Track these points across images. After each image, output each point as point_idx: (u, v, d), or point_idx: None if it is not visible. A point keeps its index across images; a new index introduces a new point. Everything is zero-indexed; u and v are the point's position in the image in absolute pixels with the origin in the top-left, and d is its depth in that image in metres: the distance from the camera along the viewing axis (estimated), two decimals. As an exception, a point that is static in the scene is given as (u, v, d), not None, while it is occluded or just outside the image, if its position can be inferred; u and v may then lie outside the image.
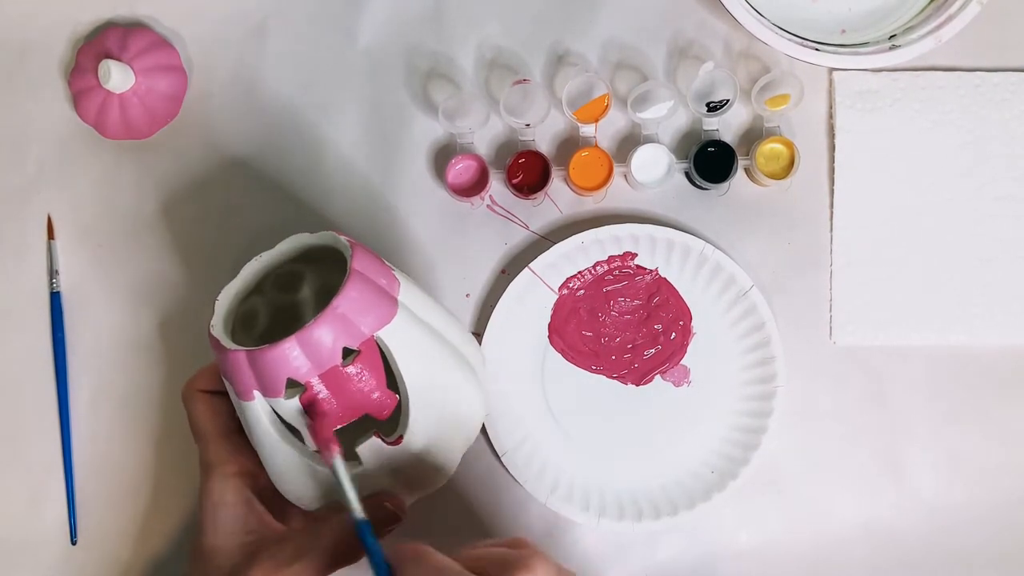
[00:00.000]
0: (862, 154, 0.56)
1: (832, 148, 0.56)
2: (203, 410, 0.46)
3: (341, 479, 0.40)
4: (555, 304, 0.56)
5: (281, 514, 0.47)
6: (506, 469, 0.54)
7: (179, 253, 0.57)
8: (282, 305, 0.50)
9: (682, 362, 0.56)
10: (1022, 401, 0.55)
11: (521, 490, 0.54)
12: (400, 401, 0.43)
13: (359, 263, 0.42)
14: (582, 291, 0.56)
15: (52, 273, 0.56)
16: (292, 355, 0.39)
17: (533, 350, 0.56)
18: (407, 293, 0.44)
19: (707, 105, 0.54)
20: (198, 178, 0.57)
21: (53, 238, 0.57)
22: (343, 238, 0.44)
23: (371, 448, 0.42)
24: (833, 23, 0.56)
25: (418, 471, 0.44)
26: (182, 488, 0.56)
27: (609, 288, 0.56)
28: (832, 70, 0.56)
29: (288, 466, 0.43)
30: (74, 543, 0.56)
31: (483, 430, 0.54)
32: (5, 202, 0.57)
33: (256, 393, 0.41)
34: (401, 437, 0.42)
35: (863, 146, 0.56)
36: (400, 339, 0.42)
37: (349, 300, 0.40)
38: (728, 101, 0.54)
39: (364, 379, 0.41)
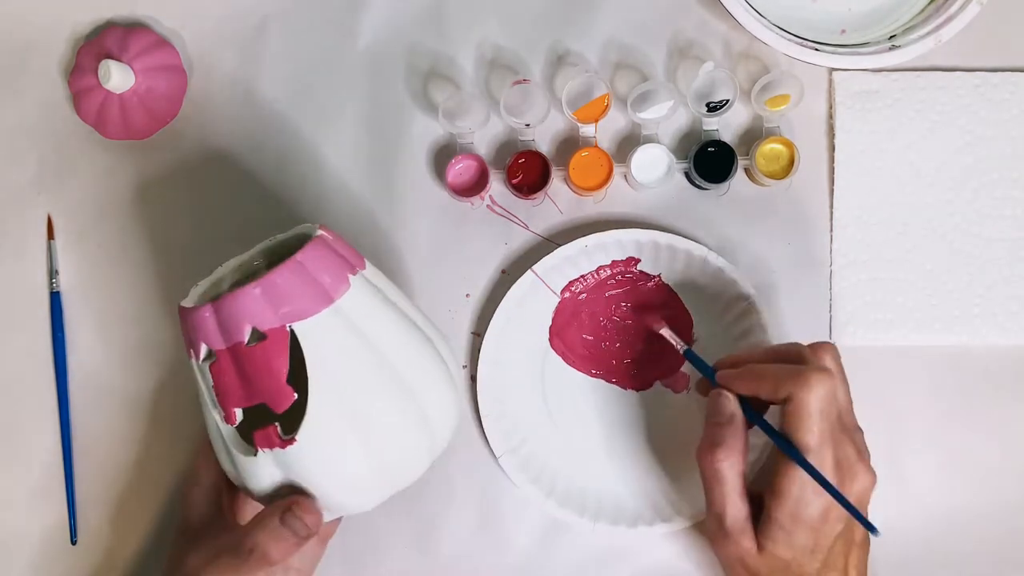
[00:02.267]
0: (862, 154, 0.56)
1: (832, 148, 0.56)
2: None
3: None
4: (557, 307, 0.56)
5: (239, 508, 0.49)
6: (503, 471, 0.54)
7: (179, 253, 0.57)
8: None
9: (682, 369, 0.56)
10: (1022, 401, 0.55)
11: (518, 492, 0.54)
12: (299, 407, 0.41)
13: (306, 254, 0.41)
14: (584, 295, 0.56)
15: (52, 273, 0.56)
16: (205, 318, 0.41)
17: (533, 352, 0.56)
18: (360, 298, 0.42)
19: (707, 105, 0.54)
20: (198, 178, 0.57)
21: (53, 238, 0.57)
22: (318, 229, 0.43)
23: (266, 438, 0.42)
24: (833, 23, 0.56)
25: (327, 486, 0.42)
26: (182, 488, 0.56)
27: (611, 293, 0.56)
28: (832, 70, 0.56)
29: (215, 435, 0.44)
30: (74, 543, 0.56)
31: (481, 431, 0.54)
32: (5, 202, 0.57)
33: (191, 354, 0.43)
34: (293, 439, 0.41)
35: (863, 146, 0.56)
36: (319, 340, 0.41)
37: (270, 285, 0.40)
38: (728, 101, 0.54)
39: (262, 364, 0.40)
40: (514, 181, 0.54)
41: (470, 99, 0.54)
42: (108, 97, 0.55)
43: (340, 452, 0.42)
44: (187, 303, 0.44)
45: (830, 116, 0.56)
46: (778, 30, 0.52)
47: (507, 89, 0.53)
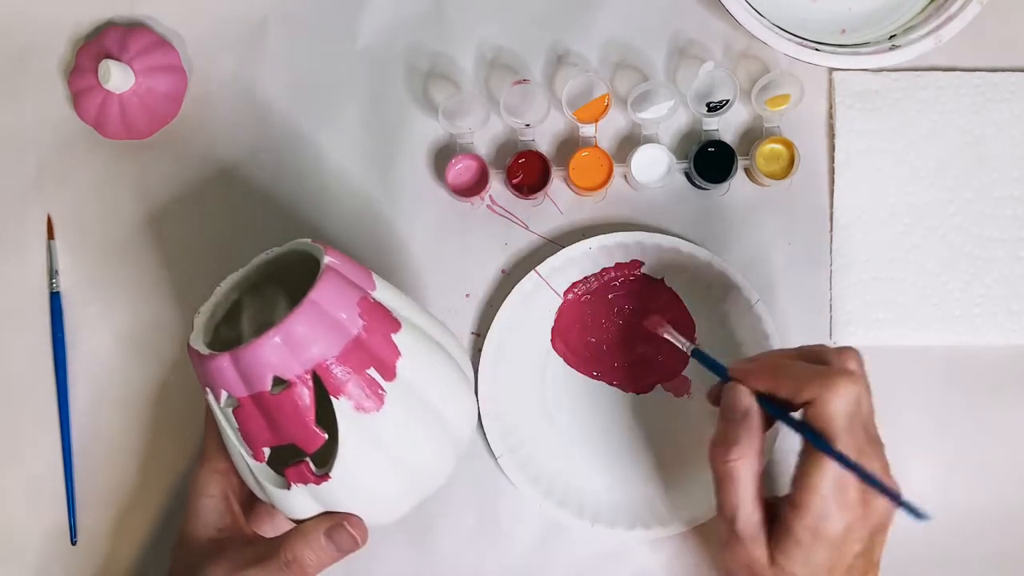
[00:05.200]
0: (862, 154, 0.56)
1: (832, 148, 0.56)
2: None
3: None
4: (559, 308, 0.56)
5: (256, 520, 0.49)
6: (502, 471, 0.54)
7: (179, 253, 0.57)
8: (264, 321, 0.50)
9: (683, 373, 0.56)
10: (1022, 401, 0.55)
11: (516, 493, 0.54)
12: (331, 439, 0.41)
13: (320, 292, 0.40)
14: (587, 297, 0.56)
15: (52, 273, 0.56)
16: (223, 367, 0.40)
17: (535, 353, 0.56)
18: (375, 325, 0.41)
19: (707, 105, 0.54)
20: (198, 178, 0.57)
21: (53, 238, 0.57)
22: (325, 255, 0.42)
23: (299, 474, 0.41)
24: (833, 23, 0.56)
25: (362, 508, 0.43)
26: (182, 488, 0.56)
27: (614, 295, 0.56)
28: (832, 70, 0.56)
29: (242, 468, 0.44)
30: (74, 543, 0.56)
31: (481, 432, 0.54)
32: (5, 202, 0.57)
33: (211, 396, 0.42)
34: (327, 475, 0.41)
35: (863, 146, 0.56)
36: (341, 377, 0.40)
37: (289, 332, 0.39)
38: (728, 101, 0.54)
39: (289, 411, 0.40)
40: (514, 181, 0.54)
41: (470, 99, 0.54)
42: (108, 97, 0.55)
43: (373, 478, 0.42)
44: (194, 339, 0.42)
45: (830, 116, 0.56)
46: (778, 30, 0.52)
47: (507, 89, 0.53)
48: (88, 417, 0.56)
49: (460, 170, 0.55)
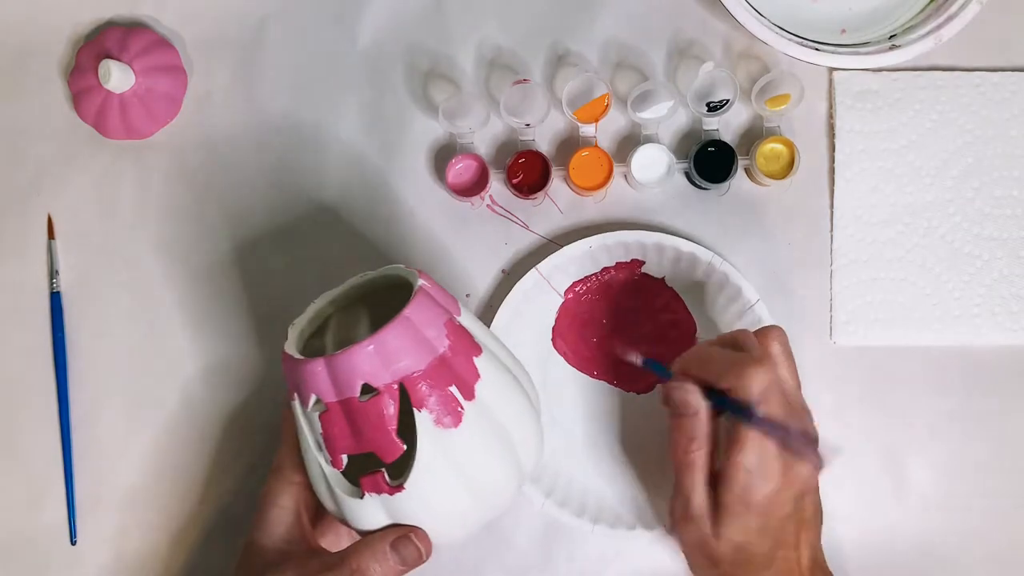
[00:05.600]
0: (862, 154, 0.56)
1: (832, 148, 0.56)
2: (291, 418, 0.47)
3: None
4: (560, 307, 0.56)
5: (319, 534, 0.49)
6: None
7: (179, 253, 0.57)
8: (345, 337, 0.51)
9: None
10: (1022, 401, 0.55)
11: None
12: (408, 452, 0.42)
13: (412, 309, 0.42)
14: (588, 296, 0.56)
15: (52, 273, 0.56)
16: (317, 372, 0.41)
17: (535, 352, 0.56)
18: (458, 347, 0.43)
19: (707, 105, 0.54)
20: (198, 178, 0.57)
21: (53, 238, 0.57)
22: (419, 279, 0.44)
23: (373, 483, 0.43)
24: (833, 23, 0.56)
25: (432, 526, 0.44)
26: (182, 488, 0.56)
27: (615, 295, 0.56)
28: (832, 70, 0.56)
29: (316, 475, 0.44)
30: (74, 543, 0.56)
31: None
32: (5, 202, 0.57)
33: (298, 401, 0.43)
34: (402, 486, 0.42)
35: (863, 146, 0.56)
36: (425, 392, 0.42)
37: (382, 343, 0.41)
38: (728, 101, 0.54)
39: (374, 419, 0.41)
40: (514, 181, 0.54)
41: (470, 99, 0.54)
42: (108, 97, 0.55)
43: (446, 496, 0.43)
44: (289, 347, 0.44)
45: (830, 116, 0.56)
46: (778, 30, 0.52)
47: (507, 89, 0.53)
48: (88, 417, 0.56)
49: (460, 170, 0.55)
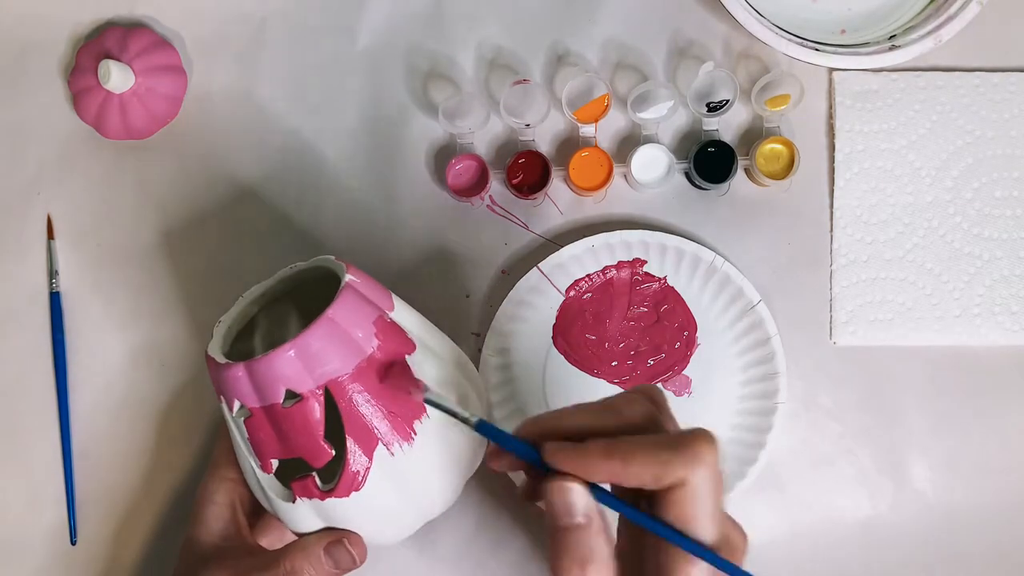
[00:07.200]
0: (862, 154, 0.56)
1: (832, 148, 0.56)
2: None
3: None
4: (561, 306, 0.56)
5: (260, 532, 0.49)
6: (505, 470, 0.54)
7: (178, 253, 0.57)
8: (276, 336, 0.50)
9: (684, 372, 0.56)
10: (1022, 401, 0.55)
11: (516, 491, 0.54)
12: (339, 455, 0.41)
13: (337, 309, 0.40)
14: (589, 294, 0.56)
15: (52, 273, 0.56)
16: (238, 377, 0.40)
17: (536, 351, 0.56)
18: (389, 346, 0.41)
19: (707, 105, 0.54)
20: (198, 178, 0.57)
21: (53, 238, 0.57)
22: (346, 272, 0.42)
23: (304, 488, 0.42)
24: (833, 23, 0.56)
25: (366, 528, 0.43)
26: (182, 488, 0.56)
27: (616, 293, 0.56)
28: (832, 70, 0.56)
29: (250, 477, 0.44)
30: (74, 543, 0.56)
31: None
32: (5, 202, 0.57)
33: (224, 405, 0.42)
34: (332, 491, 0.41)
35: (863, 146, 0.56)
36: (352, 395, 0.40)
37: (304, 346, 0.39)
38: (728, 101, 0.54)
39: (299, 425, 0.40)
40: (514, 181, 0.54)
41: (470, 99, 0.54)
42: (108, 97, 0.55)
43: (379, 498, 0.42)
44: (212, 348, 0.43)
45: (830, 116, 0.56)
46: (778, 30, 0.52)
47: (507, 89, 0.53)
48: (88, 418, 0.56)
49: (460, 170, 0.55)
